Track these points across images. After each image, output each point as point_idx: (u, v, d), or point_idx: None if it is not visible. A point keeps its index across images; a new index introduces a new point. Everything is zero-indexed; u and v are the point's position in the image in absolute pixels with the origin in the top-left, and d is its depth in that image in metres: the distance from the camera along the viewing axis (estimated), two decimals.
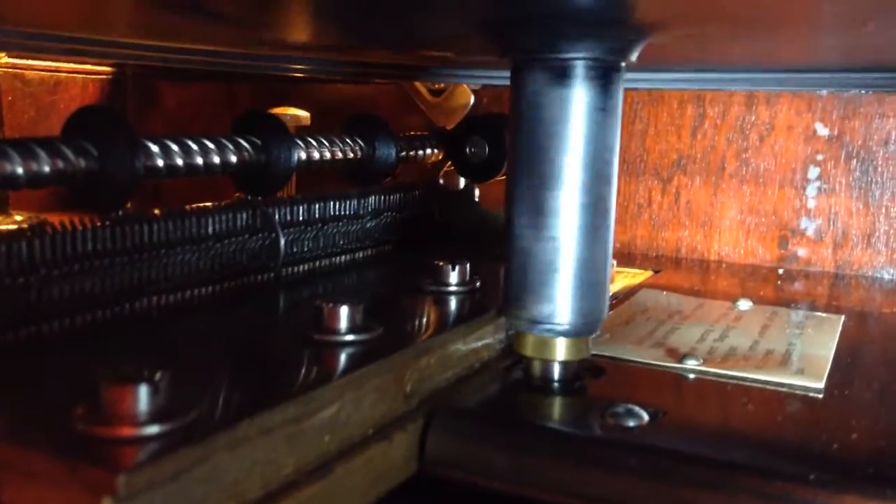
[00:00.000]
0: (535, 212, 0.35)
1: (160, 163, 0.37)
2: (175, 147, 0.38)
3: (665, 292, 0.55)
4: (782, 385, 0.37)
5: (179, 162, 0.38)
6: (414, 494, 0.31)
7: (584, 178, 0.35)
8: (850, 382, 0.37)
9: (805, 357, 0.40)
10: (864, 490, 0.26)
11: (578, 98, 0.33)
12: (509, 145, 0.36)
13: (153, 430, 0.22)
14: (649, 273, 0.63)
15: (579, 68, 0.33)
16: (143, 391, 0.22)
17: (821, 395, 0.36)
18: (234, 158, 0.41)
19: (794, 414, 0.34)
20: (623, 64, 0.35)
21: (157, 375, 0.23)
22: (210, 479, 0.23)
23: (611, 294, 0.54)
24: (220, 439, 0.23)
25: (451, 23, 0.36)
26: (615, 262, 0.61)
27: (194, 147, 0.39)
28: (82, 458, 0.21)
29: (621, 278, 0.62)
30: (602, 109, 0.34)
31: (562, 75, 0.33)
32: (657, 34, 0.34)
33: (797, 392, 0.36)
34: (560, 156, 0.34)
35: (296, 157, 0.44)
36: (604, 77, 0.34)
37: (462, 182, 0.62)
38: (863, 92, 0.63)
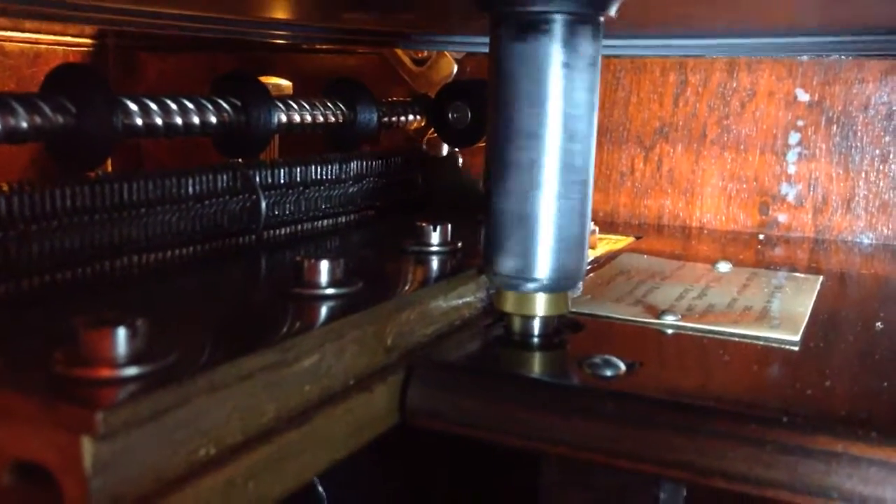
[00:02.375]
0: (509, 169, 0.35)
1: (139, 121, 0.37)
2: (154, 106, 0.37)
3: (646, 256, 0.56)
4: (759, 339, 0.37)
5: (158, 121, 0.38)
6: (396, 444, 0.31)
7: (554, 134, 0.34)
8: (825, 336, 0.38)
9: (782, 313, 0.41)
10: (836, 430, 0.27)
11: (547, 53, 0.33)
12: (488, 103, 0.36)
13: (131, 371, 0.22)
14: (631, 239, 0.64)
15: (551, 22, 0.33)
16: (122, 334, 0.22)
17: (797, 348, 0.36)
18: (213, 119, 0.41)
19: (770, 365, 0.35)
20: (601, 19, 0.35)
21: (136, 320, 0.23)
22: (189, 422, 0.23)
23: (593, 259, 0.55)
24: (198, 382, 0.23)
25: None
26: (597, 229, 0.61)
27: (173, 107, 0.39)
28: (61, 397, 0.21)
29: (603, 244, 0.62)
30: (569, 65, 0.34)
31: (532, 29, 0.33)
32: None
33: (773, 345, 0.36)
34: (530, 112, 0.34)
35: (276, 119, 0.44)
36: (575, 32, 0.34)
37: (445, 149, 0.62)
38: (842, 57, 0.63)
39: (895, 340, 0.37)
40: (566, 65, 0.34)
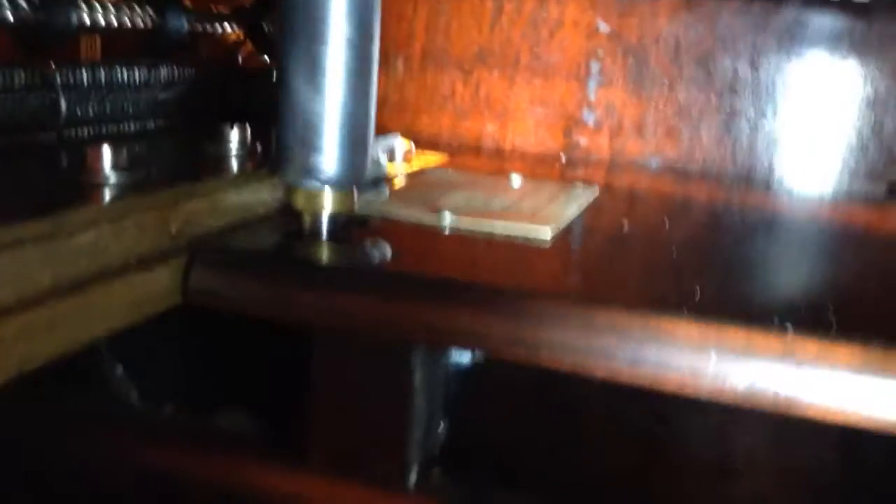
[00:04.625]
0: (304, 66, 0.38)
1: None
2: None
3: (451, 170, 0.60)
4: (517, 236, 0.42)
5: None
6: (176, 320, 0.34)
7: (350, 35, 0.37)
8: (578, 235, 0.43)
9: (548, 214, 0.46)
10: (541, 296, 0.32)
11: None
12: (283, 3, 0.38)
13: None
14: (445, 157, 0.68)
15: None
16: None
17: (547, 243, 0.41)
18: (10, 16, 0.42)
19: (521, 256, 0.39)
20: None
21: None
22: None
23: (404, 173, 0.59)
24: None
25: None
26: (413, 146, 0.65)
27: None
28: None
29: (418, 160, 0.66)
30: None
31: None
32: None
33: (529, 240, 0.41)
34: (327, 12, 0.37)
35: (75, 19, 0.44)
36: None
37: (266, 62, 0.63)
38: None
39: (634, 240, 0.43)
40: None
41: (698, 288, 0.33)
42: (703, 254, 0.41)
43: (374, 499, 0.35)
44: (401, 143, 0.62)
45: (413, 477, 0.35)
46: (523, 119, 0.75)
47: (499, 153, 0.74)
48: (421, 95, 0.77)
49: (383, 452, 0.34)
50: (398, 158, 0.61)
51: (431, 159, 0.67)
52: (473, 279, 0.33)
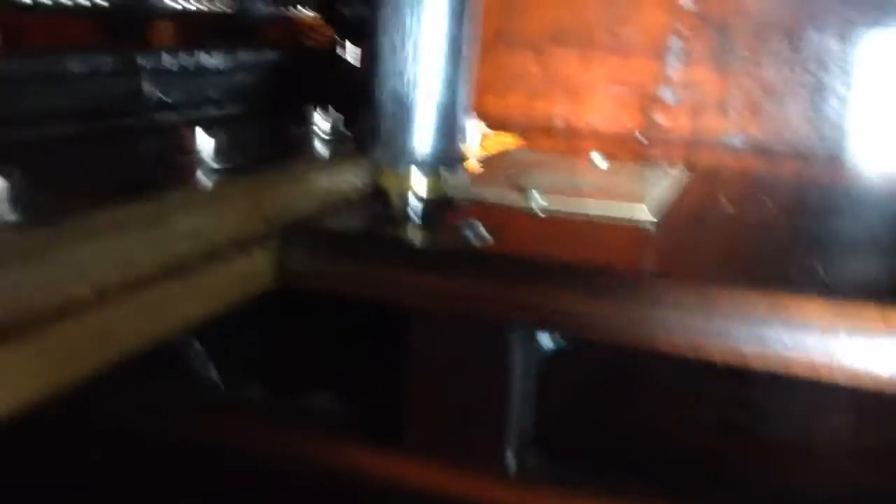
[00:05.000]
0: (400, 47, 0.37)
1: None
2: None
3: (527, 150, 0.59)
4: (621, 219, 0.40)
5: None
6: (274, 302, 0.34)
7: (449, 14, 0.37)
8: (679, 217, 0.41)
9: (640, 194, 0.44)
10: (658, 280, 0.30)
11: None
12: None
13: (10, 217, 0.23)
14: (520, 138, 0.66)
15: None
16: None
17: (653, 228, 0.39)
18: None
19: (628, 238, 0.38)
20: None
21: (13, 171, 0.24)
22: (65, 265, 0.25)
23: (480, 155, 0.57)
24: (74, 228, 0.25)
25: None
26: (483, 124, 0.64)
27: None
28: None
29: (493, 141, 0.64)
30: None
31: None
32: None
33: (627, 222, 0.40)
34: (418, 3, 0.36)
35: (160, 2, 0.44)
36: None
37: (340, 43, 0.63)
38: None
39: (749, 224, 0.41)
40: None
41: (821, 267, 0.31)
42: (813, 234, 0.39)
43: (471, 479, 0.34)
44: (475, 124, 0.61)
45: (510, 457, 0.33)
46: (598, 98, 0.73)
47: (571, 133, 0.73)
48: (490, 75, 0.75)
49: (481, 433, 0.33)
50: (473, 139, 0.59)
51: (505, 140, 0.65)
52: (581, 261, 0.32)
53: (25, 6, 0.37)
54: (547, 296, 0.30)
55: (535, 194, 0.42)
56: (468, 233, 0.36)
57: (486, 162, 0.54)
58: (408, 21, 0.36)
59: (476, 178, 0.47)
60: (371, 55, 0.38)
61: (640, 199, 0.42)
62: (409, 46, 0.36)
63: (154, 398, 0.36)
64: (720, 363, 0.29)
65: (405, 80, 0.37)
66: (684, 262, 0.33)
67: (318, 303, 0.34)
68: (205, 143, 0.34)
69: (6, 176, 0.24)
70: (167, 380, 0.37)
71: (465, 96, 0.40)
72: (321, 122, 0.45)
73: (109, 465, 0.37)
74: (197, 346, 0.37)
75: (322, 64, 0.60)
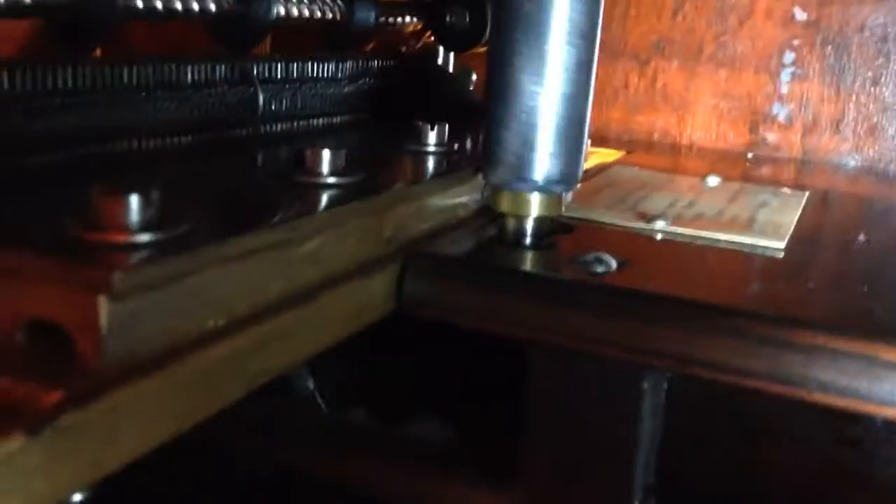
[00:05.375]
0: (527, 61, 0.35)
1: (139, 3, 0.36)
2: None
3: (636, 168, 0.57)
4: (745, 245, 0.38)
5: (158, 5, 0.37)
6: (392, 330, 0.32)
7: (578, 27, 0.35)
8: (809, 245, 0.39)
9: (768, 223, 0.42)
10: (815, 327, 0.28)
11: None
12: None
13: (145, 238, 0.23)
14: (622, 153, 0.64)
15: None
16: (135, 201, 0.23)
17: (781, 255, 0.37)
18: (212, 7, 0.41)
19: (756, 268, 0.36)
20: None
21: (149, 189, 0.23)
22: (199, 292, 0.24)
23: (584, 170, 0.55)
24: (209, 253, 0.24)
25: None
26: (589, 142, 0.62)
27: None
28: (78, 258, 0.21)
29: (594, 158, 0.62)
30: None
31: None
32: None
33: (758, 252, 0.38)
34: (546, 14, 0.35)
35: (274, 11, 0.43)
36: None
37: (442, 53, 0.61)
38: None
39: (876, 253, 0.39)
40: None
41: None
42: None
43: None
44: None
45: None
46: (704, 113, 0.70)
47: (675, 149, 0.70)
48: None
49: (606, 479, 0.32)
50: None
51: (608, 155, 0.63)
52: (728, 302, 0.30)
53: (136, 13, 0.37)
54: (689, 340, 0.28)
55: (659, 221, 0.40)
56: (593, 261, 0.34)
57: (590, 179, 0.52)
58: (535, 42, 0.35)
59: (587, 200, 0.45)
60: (489, 71, 0.37)
61: (772, 230, 0.40)
62: (536, 66, 0.35)
63: (263, 423, 0.35)
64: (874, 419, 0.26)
65: (529, 100, 0.35)
66: (833, 306, 0.31)
67: (435, 330, 0.33)
68: (320, 158, 0.33)
69: (139, 189, 0.23)
70: (274, 404, 0.36)
71: (589, 112, 0.38)
72: (430, 136, 0.43)
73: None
74: (308, 372, 0.36)
75: (427, 75, 0.58)
